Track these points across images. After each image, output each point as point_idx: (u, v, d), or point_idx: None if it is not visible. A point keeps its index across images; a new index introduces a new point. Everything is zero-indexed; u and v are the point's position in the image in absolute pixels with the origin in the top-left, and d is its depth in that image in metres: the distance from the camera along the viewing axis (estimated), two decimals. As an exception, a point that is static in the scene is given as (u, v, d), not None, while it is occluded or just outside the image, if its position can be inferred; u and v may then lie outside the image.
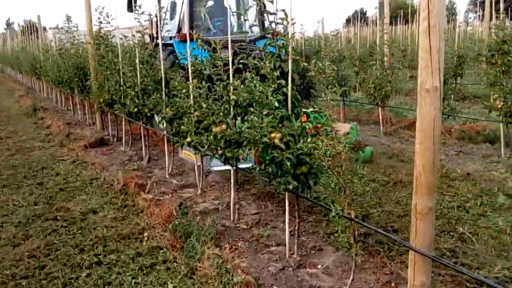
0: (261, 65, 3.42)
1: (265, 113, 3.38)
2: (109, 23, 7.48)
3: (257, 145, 3.47)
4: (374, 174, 5.68)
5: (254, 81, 3.56)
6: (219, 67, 4.37)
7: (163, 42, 6.74)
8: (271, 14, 3.51)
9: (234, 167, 4.23)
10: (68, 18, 10.26)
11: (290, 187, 3.26)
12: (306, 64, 3.28)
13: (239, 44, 4.48)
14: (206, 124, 4.37)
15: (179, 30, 7.55)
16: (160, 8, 6.25)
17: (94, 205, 4.89)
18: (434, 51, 2.32)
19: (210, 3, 8.11)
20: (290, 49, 3.37)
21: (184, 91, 5.08)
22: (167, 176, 5.89)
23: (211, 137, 4.28)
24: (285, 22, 3.41)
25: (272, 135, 3.35)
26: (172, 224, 3.97)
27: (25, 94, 16.36)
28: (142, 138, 6.66)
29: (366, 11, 54.63)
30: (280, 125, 3.38)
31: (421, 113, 2.42)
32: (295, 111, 3.46)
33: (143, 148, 6.68)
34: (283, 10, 3.43)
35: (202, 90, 4.46)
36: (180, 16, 7.77)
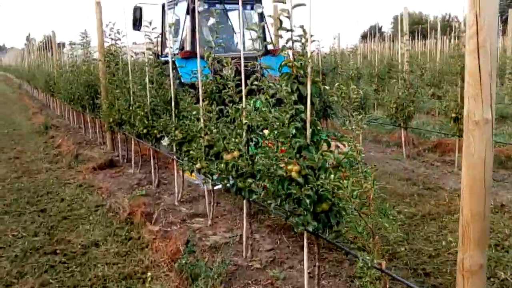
0: (277, 88, 3.05)
1: (281, 141, 3.01)
2: (119, 39, 7.23)
3: (272, 178, 3.09)
4: (399, 204, 5.25)
5: (269, 105, 3.20)
6: (231, 88, 4.04)
7: (166, 59, 6.49)
8: (288, 31, 3.15)
9: (247, 199, 3.85)
10: (85, 34, 10.05)
11: (310, 228, 2.87)
12: (327, 87, 2.92)
13: (247, 61, 4.16)
14: (216, 151, 4.02)
15: (182, 47, 7.33)
16: (164, 24, 5.96)
17: (97, 236, 4.55)
18: (485, 75, 1.93)
19: (213, 20, 7.90)
20: (309, 70, 3.00)
21: (194, 113, 4.76)
22: (176, 203, 5.53)
23: (222, 165, 3.92)
24: (303, 40, 3.06)
25: (289, 167, 2.98)
26: (179, 263, 3.59)
27: (39, 111, 16.26)
28: (151, 161, 6.34)
29: (381, 26, 54.27)
30: (298, 155, 3.01)
31: (468, 150, 2.02)
32: (315, 140, 3.08)
33: (152, 171, 6.35)
34: (302, 27, 3.08)
35: (212, 114, 4.11)
36: (182, 33, 7.53)
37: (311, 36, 3.07)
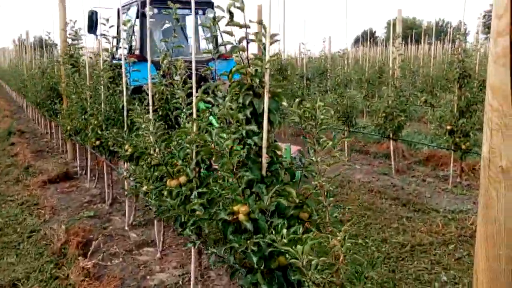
0: (220, 103, 2.28)
1: (225, 174, 2.23)
2: (77, 40, 6.45)
3: (214, 222, 2.32)
4: (385, 231, 4.50)
5: (214, 125, 2.43)
6: (181, 99, 3.27)
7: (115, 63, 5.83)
8: (241, 27, 2.37)
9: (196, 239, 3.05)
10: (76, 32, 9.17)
11: (259, 296, 2.09)
12: (286, 104, 2.16)
13: (199, 66, 3.41)
14: (156, 176, 3.24)
15: (132, 51, 6.80)
16: (119, 28, 5.26)
17: (20, 273, 3.73)
18: (520, 96, 1.18)
19: (167, 25, 7.43)
20: (266, 78, 2.24)
21: (144, 125, 3.98)
22: (126, 228, 4.73)
23: (166, 192, 3.14)
24: (264, 39, 2.29)
25: (235, 208, 2.20)
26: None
27: (10, 115, 15.35)
28: (105, 176, 5.53)
29: (375, 31, 53.74)
30: (249, 191, 2.24)
31: (487, 210, 1.26)
32: (273, 169, 2.31)
33: (106, 188, 5.54)
34: (260, 22, 2.32)
35: (155, 130, 3.33)
36: (131, 37, 7.07)
37: (274, 35, 2.32)
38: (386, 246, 4.16)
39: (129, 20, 6.05)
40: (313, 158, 1.93)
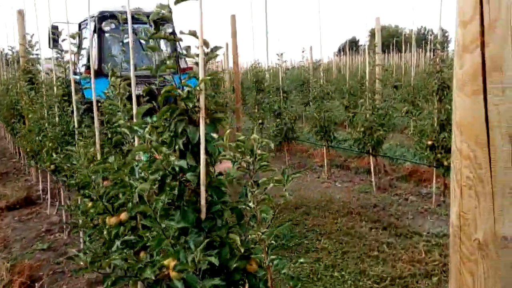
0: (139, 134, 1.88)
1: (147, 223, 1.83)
2: (32, 55, 6.05)
3: (136, 279, 1.92)
4: (363, 260, 4.12)
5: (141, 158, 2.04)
6: (121, 119, 2.88)
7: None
8: (169, 40, 1.98)
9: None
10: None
11: None
12: (215, 135, 1.78)
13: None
14: (92, 212, 2.82)
15: (88, 66, 6.60)
16: (81, 38, 4.90)
17: (-52, 323, 3.30)
18: (501, 139, 0.81)
19: (126, 40, 7.25)
20: (202, 101, 1.85)
21: (92, 149, 3.58)
22: (81, 262, 4.29)
23: (105, 232, 2.73)
24: (200, 53, 1.91)
25: (166, 262, 1.81)
26: None
27: (-18, 133, 14.76)
28: (63, 203, 5.10)
29: (358, 39, 53.84)
30: (183, 241, 1.85)
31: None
32: (214, 210, 1.92)
33: (63, 216, 5.11)
34: (193, 34, 1.93)
35: (80, 157, 2.92)
36: (88, 52, 6.96)
37: (216, 48, 1.95)
38: (364, 279, 3.78)
39: (78, 33, 5.71)
40: (250, 205, 1.55)
